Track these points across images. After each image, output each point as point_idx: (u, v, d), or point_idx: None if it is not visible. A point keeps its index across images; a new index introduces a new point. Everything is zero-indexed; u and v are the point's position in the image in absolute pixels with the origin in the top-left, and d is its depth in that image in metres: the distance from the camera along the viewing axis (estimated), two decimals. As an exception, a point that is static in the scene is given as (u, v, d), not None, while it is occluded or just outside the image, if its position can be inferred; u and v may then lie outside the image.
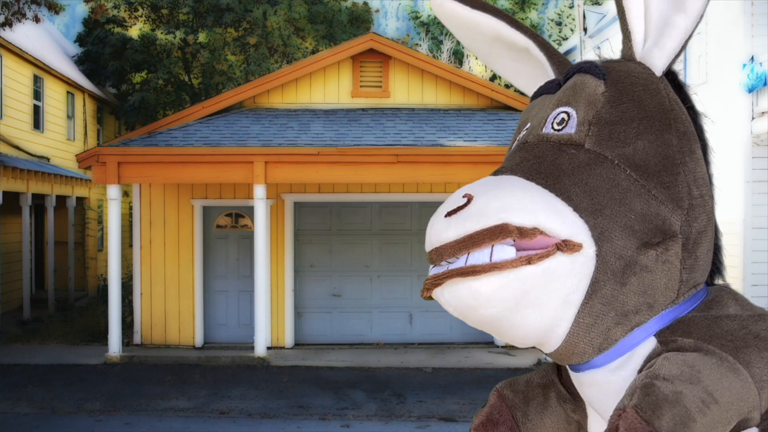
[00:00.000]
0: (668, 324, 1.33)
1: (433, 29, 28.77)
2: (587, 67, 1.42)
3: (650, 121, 1.37)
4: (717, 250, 1.50)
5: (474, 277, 1.24)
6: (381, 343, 12.35)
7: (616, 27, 14.74)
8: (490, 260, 1.24)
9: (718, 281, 1.51)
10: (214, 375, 10.26)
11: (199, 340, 12.07)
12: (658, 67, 1.43)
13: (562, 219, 1.27)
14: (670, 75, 1.49)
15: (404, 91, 12.73)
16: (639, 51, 1.45)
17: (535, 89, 1.57)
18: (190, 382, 9.86)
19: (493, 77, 23.63)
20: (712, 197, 1.45)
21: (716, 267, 1.50)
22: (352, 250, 12.42)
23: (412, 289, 12.38)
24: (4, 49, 15.23)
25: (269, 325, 11.70)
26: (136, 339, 11.98)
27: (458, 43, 26.56)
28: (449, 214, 1.30)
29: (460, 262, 1.27)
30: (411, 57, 12.66)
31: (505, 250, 1.24)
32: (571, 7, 28.76)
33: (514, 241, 1.25)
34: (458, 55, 26.75)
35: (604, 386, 1.37)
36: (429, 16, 29.47)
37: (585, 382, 1.42)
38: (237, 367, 10.79)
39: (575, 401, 1.54)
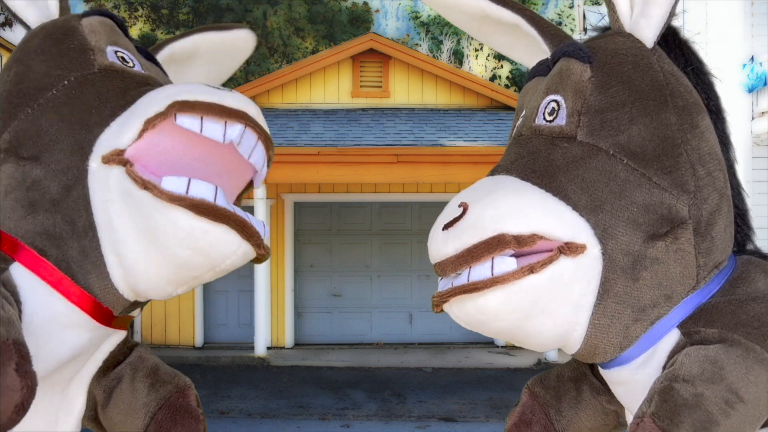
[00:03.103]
0: (691, 313, 1.26)
1: (433, 29, 28.75)
2: (571, 51, 1.34)
3: (643, 102, 1.29)
4: (743, 215, 1.42)
5: (477, 293, 1.21)
6: (381, 343, 12.33)
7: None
8: (492, 274, 1.20)
9: (749, 246, 1.43)
10: (214, 375, 10.25)
11: (199, 340, 12.06)
12: (649, 38, 1.35)
13: (562, 220, 1.22)
14: (671, 36, 1.40)
15: (404, 91, 12.71)
16: (627, 22, 1.37)
17: (532, 62, 1.50)
18: (190, 382, 9.85)
19: (493, 77, 23.62)
20: (722, 169, 1.34)
21: (745, 233, 1.42)
22: (352, 250, 12.41)
23: (412, 289, 12.37)
24: (4, 49, 15.23)
25: (269, 325, 11.69)
26: (136, 339, 11.93)
27: (458, 42, 26.56)
28: (446, 226, 1.26)
29: (462, 278, 1.23)
30: (411, 57, 12.65)
31: (505, 262, 1.20)
32: (571, 7, 28.77)
33: (515, 250, 1.20)
34: (458, 55, 26.73)
35: (630, 384, 1.32)
36: (429, 16, 29.45)
37: (613, 379, 1.38)
38: (237, 367, 10.78)
39: (609, 392, 1.48)
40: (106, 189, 1.27)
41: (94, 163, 1.29)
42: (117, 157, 1.25)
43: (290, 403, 8.88)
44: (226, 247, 1.24)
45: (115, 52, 1.46)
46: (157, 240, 1.24)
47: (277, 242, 12.13)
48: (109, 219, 1.28)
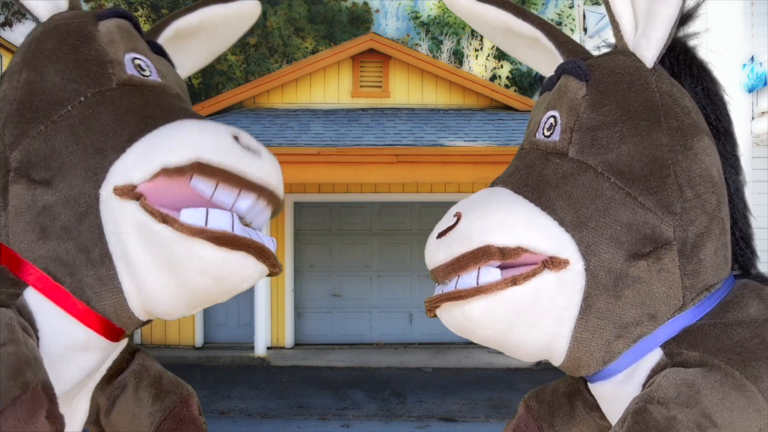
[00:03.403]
0: (676, 334, 1.26)
1: (433, 29, 28.74)
2: (570, 68, 1.36)
3: (635, 121, 1.30)
4: (747, 239, 1.42)
5: (463, 301, 1.24)
6: (381, 343, 12.34)
7: (616, 27, 14.73)
8: (477, 283, 1.23)
9: (753, 271, 1.42)
10: (214, 375, 10.26)
11: (199, 340, 12.07)
12: (648, 58, 1.36)
13: (547, 235, 1.24)
14: (682, 55, 1.41)
15: (404, 91, 12.72)
16: (631, 41, 1.38)
17: None
18: (190, 382, 9.77)
19: (493, 77, 23.62)
20: (715, 192, 1.34)
21: (748, 257, 1.42)
22: (352, 250, 12.42)
23: (412, 289, 12.38)
24: (4, 49, 15.24)
25: (269, 325, 11.70)
26: (136, 339, 11.99)
27: (458, 42, 26.57)
28: (440, 235, 1.30)
29: (450, 286, 1.28)
30: (411, 57, 12.66)
31: (490, 273, 1.23)
32: (571, 7, 28.78)
33: (500, 262, 1.23)
34: (458, 55, 26.73)
35: (612, 399, 1.34)
36: (429, 16, 29.46)
37: (598, 394, 1.40)
38: (237, 367, 10.79)
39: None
40: (120, 221, 1.25)
41: (105, 192, 1.26)
42: (131, 192, 1.23)
43: (290, 403, 8.88)
44: (244, 272, 1.27)
45: (133, 59, 1.41)
46: (177, 270, 1.25)
47: (277, 242, 12.12)
48: (124, 250, 1.26)
